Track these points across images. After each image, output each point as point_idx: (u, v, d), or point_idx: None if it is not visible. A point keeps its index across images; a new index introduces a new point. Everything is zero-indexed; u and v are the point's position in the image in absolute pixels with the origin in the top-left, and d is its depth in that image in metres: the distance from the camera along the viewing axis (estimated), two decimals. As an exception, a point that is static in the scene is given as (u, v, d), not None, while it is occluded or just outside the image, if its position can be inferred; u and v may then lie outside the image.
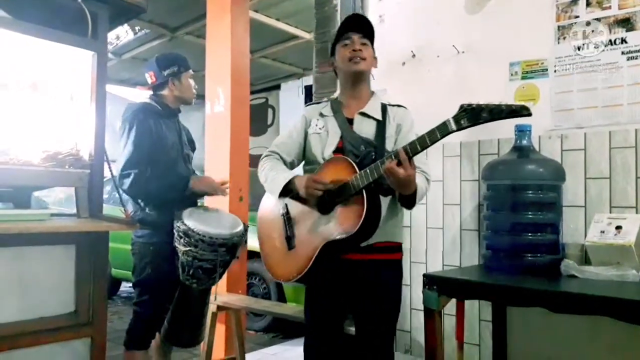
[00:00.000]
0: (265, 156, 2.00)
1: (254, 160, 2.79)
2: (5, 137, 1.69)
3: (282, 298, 4.23)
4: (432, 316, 1.88)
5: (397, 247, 1.95)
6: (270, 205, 1.99)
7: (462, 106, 1.56)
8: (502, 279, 1.86)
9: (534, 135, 2.13)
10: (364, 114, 1.93)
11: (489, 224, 2.16)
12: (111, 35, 4.55)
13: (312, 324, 1.97)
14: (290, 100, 7.69)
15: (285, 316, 2.96)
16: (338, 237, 1.72)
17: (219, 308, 3.02)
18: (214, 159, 3.61)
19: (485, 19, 2.45)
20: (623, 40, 2.10)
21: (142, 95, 2.67)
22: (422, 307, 1.93)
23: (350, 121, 1.92)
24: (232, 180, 3.14)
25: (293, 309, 3.15)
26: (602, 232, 1.89)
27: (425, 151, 1.66)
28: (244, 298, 3.42)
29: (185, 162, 2.57)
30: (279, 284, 4.21)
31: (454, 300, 2.01)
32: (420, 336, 2.48)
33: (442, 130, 1.58)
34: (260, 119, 8.02)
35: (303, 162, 2.03)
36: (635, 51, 2.07)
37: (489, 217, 2.16)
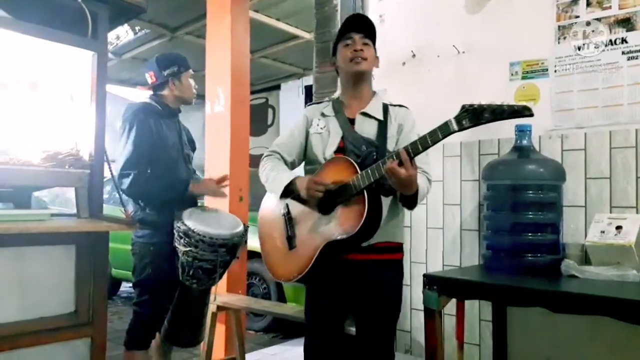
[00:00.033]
0: (266, 156, 1.99)
1: (254, 160, 2.79)
2: (5, 137, 1.69)
3: (282, 298, 4.22)
4: (432, 316, 1.88)
5: (398, 248, 1.94)
6: (271, 205, 1.99)
7: (463, 106, 1.55)
8: (502, 279, 1.87)
9: (534, 135, 2.13)
10: (365, 114, 1.92)
11: (489, 224, 2.16)
12: (111, 35, 4.54)
13: (313, 323, 1.97)
14: (290, 100, 7.68)
15: (285, 316, 2.96)
16: (339, 237, 1.72)
17: (219, 308, 3.02)
18: (214, 159, 3.61)
19: (486, 19, 2.45)
20: (623, 40, 2.10)
21: (142, 95, 2.67)
22: (422, 307, 1.93)
23: (352, 121, 1.92)
24: (232, 181, 3.13)
25: (293, 309, 3.15)
26: (603, 232, 1.89)
27: (426, 151, 1.66)
28: (244, 298, 3.42)
29: (185, 162, 2.56)
30: (279, 284, 4.21)
31: (454, 300, 2.01)
32: (420, 336, 2.49)
33: (444, 131, 1.57)
34: (260, 119, 8.02)
35: (304, 162, 2.03)
36: (636, 51, 2.07)
37: (489, 217, 2.16)
